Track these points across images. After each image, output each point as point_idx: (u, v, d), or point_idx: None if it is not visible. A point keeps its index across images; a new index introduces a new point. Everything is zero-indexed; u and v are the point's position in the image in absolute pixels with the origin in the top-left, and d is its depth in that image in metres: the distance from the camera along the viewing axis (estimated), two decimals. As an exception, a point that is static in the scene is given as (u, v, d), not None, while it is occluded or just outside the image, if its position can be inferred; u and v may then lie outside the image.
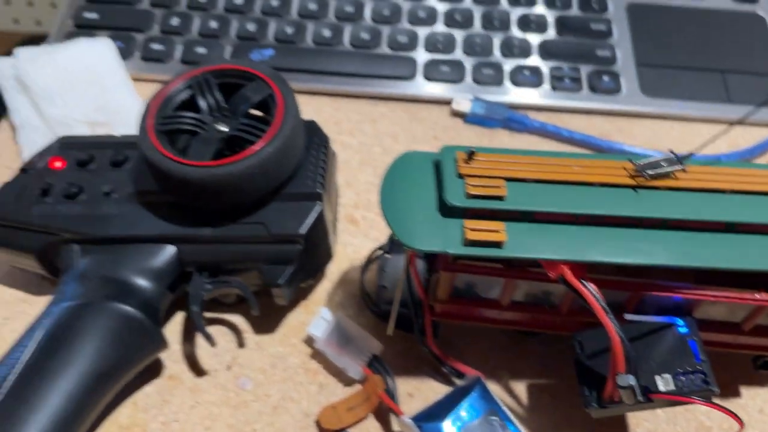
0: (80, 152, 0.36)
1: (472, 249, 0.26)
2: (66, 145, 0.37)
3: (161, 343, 0.33)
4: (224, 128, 0.34)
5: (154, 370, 0.34)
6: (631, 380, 0.26)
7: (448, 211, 0.27)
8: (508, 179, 0.27)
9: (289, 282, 0.34)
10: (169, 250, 0.34)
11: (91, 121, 0.42)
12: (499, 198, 0.26)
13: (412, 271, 0.30)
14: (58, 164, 0.36)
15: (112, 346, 0.31)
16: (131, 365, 0.32)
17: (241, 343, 0.36)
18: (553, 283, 0.27)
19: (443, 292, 0.30)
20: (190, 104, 0.35)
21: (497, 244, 0.26)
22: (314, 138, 0.36)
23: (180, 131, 0.34)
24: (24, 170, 0.36)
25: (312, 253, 0.35)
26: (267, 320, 0.36)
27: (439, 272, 0.29)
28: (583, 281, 0.26)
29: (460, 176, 0.27)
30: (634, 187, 0.28)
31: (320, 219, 0.34)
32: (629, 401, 0.27)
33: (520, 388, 0.34)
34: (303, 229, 0.33)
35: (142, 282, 0.33)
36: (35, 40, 0.51)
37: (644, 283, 0.29)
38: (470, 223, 0.26)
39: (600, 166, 0.28)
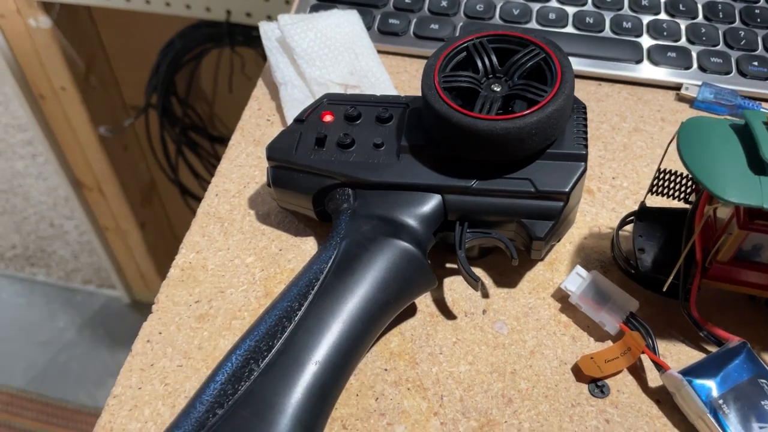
0: (348, 108, 0.39)
1: (789, 205, 0.27)
2: (333, 101, 0.41)
3: (433, 280, 0.35)
4: (497, 88, 0.36)
5: (414, 308, 0.37)
6: None
7: (761, 168, 0.28)
8: (824, 142, 0.28)
9: (548, 237, 0.36)
10: (436, 199, 0.36)
11: (344, 83, 0.46)
12: (818, 159, 0.27)
13: (697, 230, 0.32)
14: (328, 118, 0.40)
15: (394, 277, 0.34)
16: (408, 298, 0.35)
17: (486, 294, 0.38)
18: None
19: (727, 253, 0.31)
20: (465, 66, 0.38)
21: (816, 203, 0.27)
22: (574, 104, 0.38)
23: (458, 89, 0.37)
24: (299, 120, 0.40)
25: (568, 213, 0.37)
26: (510, 275, 0.39)
27: (733, 230, 0.30)
28: None
29: (775, 136, 0.28)
30: None
31: (582, 179, 0.36)
32: None
33: (772, 361, 0.35)
34: (567, 187, 0.35)
35: (413, 223, 0.36)
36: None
37: None
38: (788, 181, 0.27)
39: None
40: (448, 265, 0.39)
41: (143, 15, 1.01)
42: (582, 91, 0.48)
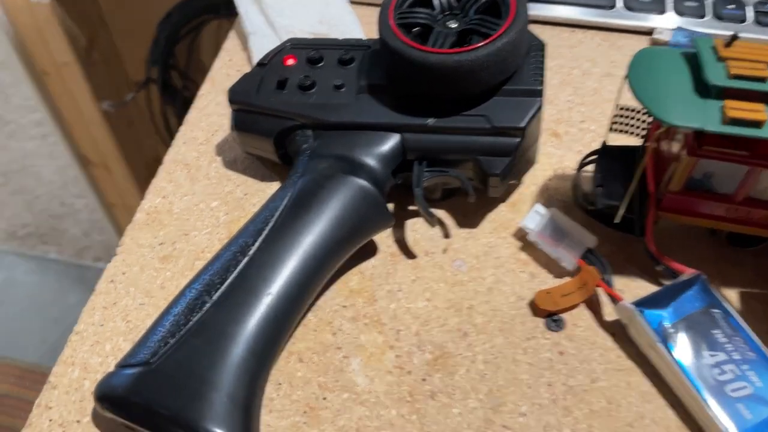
0: (310, 51, 0.39)
1: (732, 128, 0.27)
2: (296, 46, 0.41)
3: (390, 219, 0.36)
4: (453, 24, 0.36)
5: (375, 248, 0.38)
6: None
7: (706, 91, 0.28)
8: (769, 63, 0.28)
9: (505, 174, 0.36)
10: (394, 138, 0.36)
11: (314, 31, 0.46)
12: (762, 79, 0.27)
13: (648, 161, 0.31)
14: (290, 61, 0.40)
15: (350, 214, 0.34)
16: (364, 235, 0.35)
17: (446, 234, 0.38)
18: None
19: (678, 182, 0.31)
20: (424, 3, 0.37)
21: (758, 124, 0.27)
22: (532, 42, 0.37)
23: (415, 24, 0.37)
24: (261, 64, 0.40)
25: (525, 150, 0.36)
26: (472, 216, 0.39)
27: (681, 158, 0.30)
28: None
29: (721, 59, 0.28)
30: None
31: (538, 115, 0.36)
32: None
33: (732, 295, 0.35)
34: (523, 123, 0.35)
35: (371, 162, 0.36)
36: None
37: None
38: (731, 103, 0.27)
39: None
40: (410, 208, 0.39)
41: (143, -13, 1.02)
42: (555, 37, 0.47)
